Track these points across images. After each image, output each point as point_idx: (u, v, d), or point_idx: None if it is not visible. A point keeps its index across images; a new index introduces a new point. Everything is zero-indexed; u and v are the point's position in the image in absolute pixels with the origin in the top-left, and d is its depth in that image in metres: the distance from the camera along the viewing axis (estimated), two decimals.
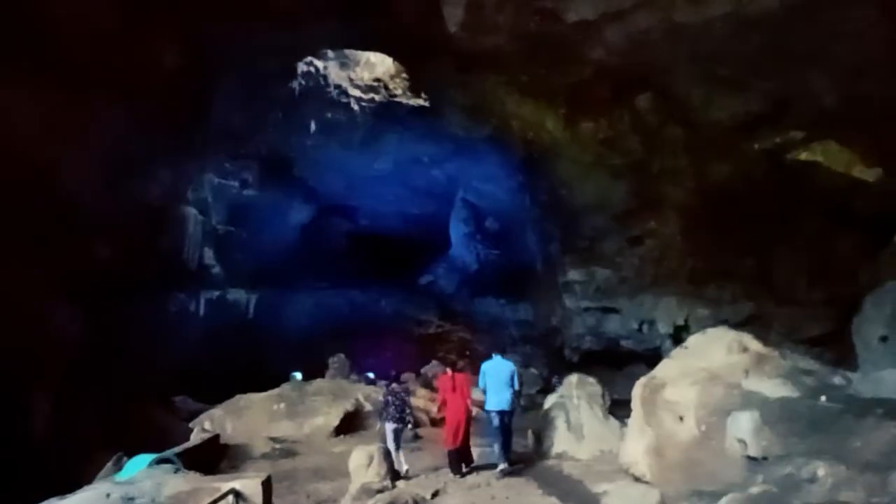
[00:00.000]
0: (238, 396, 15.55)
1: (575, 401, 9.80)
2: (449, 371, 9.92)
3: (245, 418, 14.15)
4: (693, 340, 8.36)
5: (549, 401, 10.24)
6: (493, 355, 9.75)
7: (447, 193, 30.13)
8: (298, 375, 21.97)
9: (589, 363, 23.82)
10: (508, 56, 16.30)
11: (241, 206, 24.07)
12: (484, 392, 9.42)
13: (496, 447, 9.10)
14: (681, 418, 7.06)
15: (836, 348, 15.52)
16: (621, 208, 19.89)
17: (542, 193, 23.02)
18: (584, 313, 22.80)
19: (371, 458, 8.34)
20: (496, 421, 9.10)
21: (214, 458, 11.25)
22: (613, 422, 9.79)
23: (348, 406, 13.84)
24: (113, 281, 19.15)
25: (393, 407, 9.58)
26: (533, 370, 23.44)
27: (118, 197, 18.71)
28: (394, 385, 10.13)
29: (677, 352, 8.44)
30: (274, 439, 13.30)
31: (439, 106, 22.34)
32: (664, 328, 18.90)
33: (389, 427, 9.54)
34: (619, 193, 19.48)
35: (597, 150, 18.55)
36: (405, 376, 21.46)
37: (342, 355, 20.31)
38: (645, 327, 19.98)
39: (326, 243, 29.08)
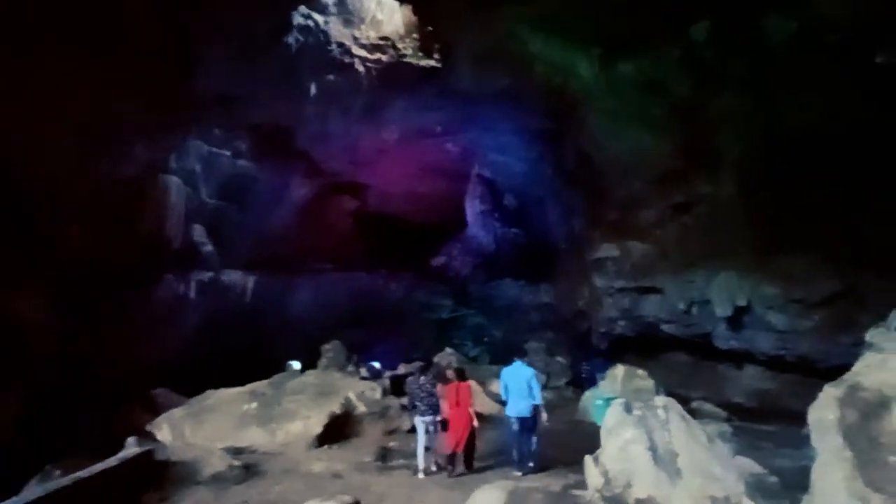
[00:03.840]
0: (207, 392, 11.85)
1: (661, 414, 5.80)
2: (453, 380, 8.89)
3: (207, 423, 10.39)
4: None
5: (614, 415, 6.23)
6: (514, 360, 9.11)
7: (461, 169, 26.17)
8: (296, 365, 18.25)
9: (620, 351, 19.84)
10: None
11: (236, 180, 20.27)
12: (505, 398, 8.86)
13: (514, 453, 8.67)
14: None
15: None
16: (663, 169, 15.79)
17: (568, 159, 18.97)
18: (616, 294, 18.74)
19: None
20: (515, 426, 8.62)
21: (137, 486, 7.48)
22: (722, 448, 5.79)
23: (335, 407, 10.01)
24: (88, 265, 15.69)
25: (420, 400, 8.66)
26: (559, 359, 19.43)
27: (87, 172, 15.19)
28: (422, 378, 9.02)
29: (886, 336, 4.41)
30: (237, 451, 9.52)
31: (451, 61, 18.36)
32: (721, 310, 14.77)
33: (421, 421, 8.59)
34: (661, 150, 15.39)
35: (637, 99, 14.45)
36: (414, 365, 17.65)
37: (338, 342, 16.46)
38: (695, 309, 15.87)
39: (331, 223, 25.23)
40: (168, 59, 16.33)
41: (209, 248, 19.73)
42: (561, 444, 9.93)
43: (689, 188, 15.63)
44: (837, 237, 13.70)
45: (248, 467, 8.66)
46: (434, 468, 8.60)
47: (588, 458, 6.01)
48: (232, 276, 20.85)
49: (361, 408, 10.26)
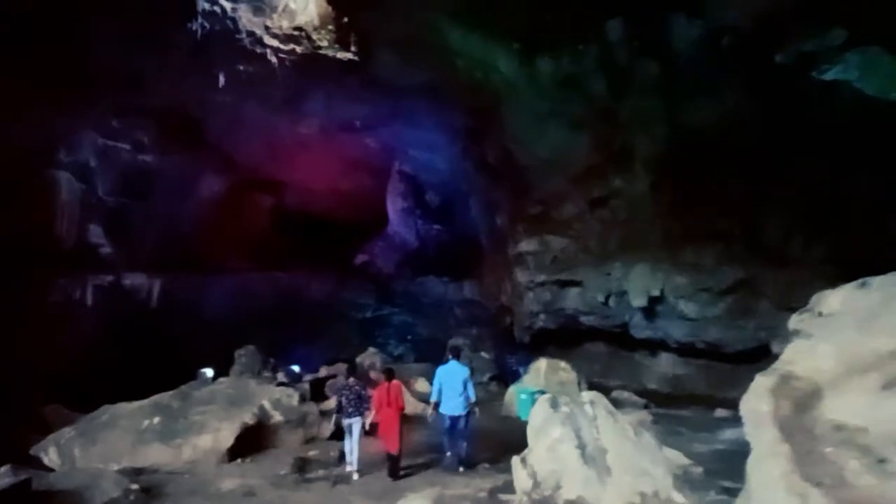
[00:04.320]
0: (103, 408, 10.64)
1: (588, 410, 5.57)
2: (383, 381, 8.89)
3: (101, 442, 9.29)
4: (844, 297, 4.23)
5: (541, 413, 5.96)
6: (449, 359, 9.02)
7: (382, 165, 25.52)
8: (209, 372, 16.94)
9: (541, 344, 20.00)
10: None
11: (137, 174, 18.66)
12: (438, 396, 8.70)
13: (446, 452, 8.70)
14: (881, 462, 2.99)
15: None
16: (582, 165, 15.95)
17: (490, 155, 18.84)
18: (537, 288, 18.79)
19: None
20: (447, 423, 8.63)
21: None
22: (649, 441, 5.64)
23: (247, 418, 9.21)
24: None
25: (348, 402, 8.51)
26: (484, 354, 19.29)
27: None
28: (350, 380, 8.88)
29: (812, 322, 4.31)
30: (137, 472, 8.55)
31: (369, 53, 17.70)
32: (637, 300, 15.08)
33: (347, 423, 8.48)
34: (580, 147, 15.51)
35: (557, 96, 14.46)
36: (337, 367, 16.92)
37: (252, 347, 15.46)
38: (612, 301, 16.14)
39: (247, 220, 23.88)
40: (52, 29, 14.69)
41: (108, 249, 18.09)
42: (488, 441, 9.67)
43: (606, 184, 15.87)
44: (740, 230, 14.31)
45: (148, 490, 7.76)
46: (359, 467, 8.43)
47: (516, 460, 5.70)
48: (135, 279, 19.23)
49: (277, 416, 9.51)
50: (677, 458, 6.26)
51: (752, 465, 3.37)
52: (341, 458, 9.09)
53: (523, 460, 5.66)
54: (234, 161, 22.10)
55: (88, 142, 17.12)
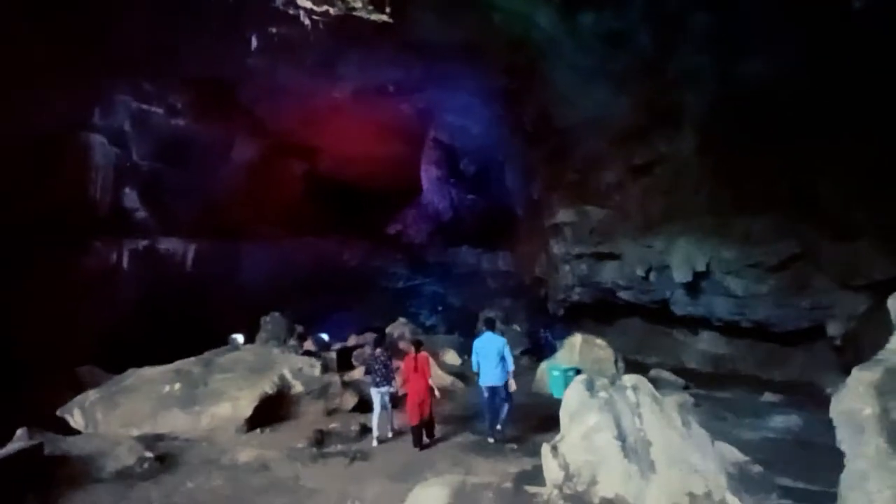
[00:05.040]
0: (128, 371, 10.44)
1: (630, 396, 4.83)
2: (412, 351, 8.70)
3: (123, 406, 9.05)
4: None
5: (576, 396, 5.24)
6: (484, 331, 8.89)
7: (417, 132, 24.73)
8: (240, 338, 16.86)
9: (576, 318, 19.20)
10: None
11: (172, 139, 18.38)
12: (477, 368, 8.66)
13: (486, 421, 8.61)
14: None
15: None
16: (624, 127, 14.80)
17: (527, 119, 17.81)
18: (573, 260, 17.91)
19: None
20: (486, 395, 8.54)
21: (19, 489, 6.19)
22: (700, 433, 4.88)
23: (267, 387, 8.79)
24: None
25: (377, 373, 8.55)
26: (516, 327, 18.61)
27: None
28: (377, 350, 8.88)
29: None
30: (157, 439, 8.27)
31: (405, 13, 16.77)
32: (680, 275, 14.07)
33: (376, 391, 8.52)
34: (622, 107, 14.37)
35: (599, 52, 13.32)
36: (365, 336, 16.55)
37: (277, 314, 15.13)
38: (653, 275, 15.15)
39: (280, 186, 23.52)
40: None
41: (143, 213, 17.97)
42: (517, 419, 9.04)
43: (649, 148, 14.75)
44: (795, 198, 13.07)
45: (163, 458, 7.43)
46: (390, 434, 8.52)
47: (546, 448, 5.02)
48: (170, 244, 19.12)
49: (298, 386, 9.06)
50: (731, 453, 5.48)
51: (850, 481, 2.60)
52: (362, 431, 8.63)
53: (554, 448, 4.98)
54: (267, 126, 21.64)
55: (123, 106, 16.87)
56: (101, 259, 17.38)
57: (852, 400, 2.86)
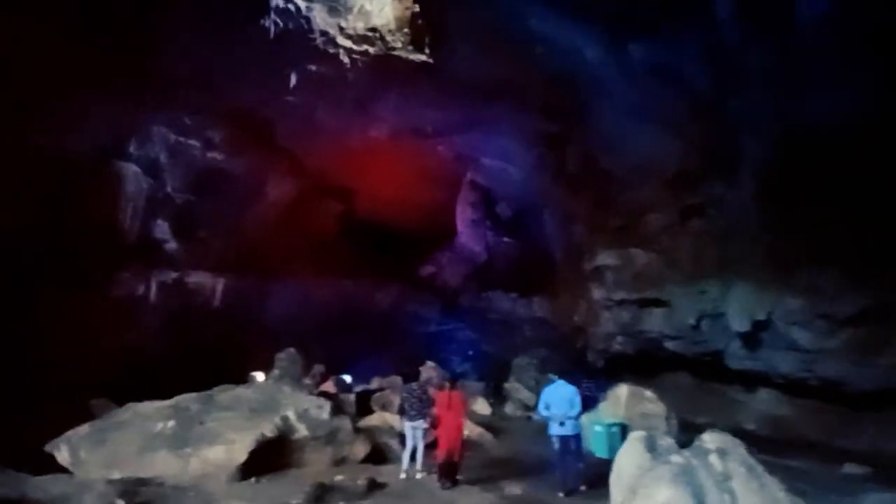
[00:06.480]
0: (127, 405, 9.45)
1: (715, 463, 3.44)
2: (447, 387, 8.59)
3: (109, 444, 7.98)
4: None
5: (633, 458, 3.87)
6: (554, 379, 9.00)
7: (454, 175, 23.99)
8: (260, 377, 15.87)
9: (617, 370, 17.47)
10: None
11: (206, 173, 18.04)
12: (546, 416, 8.39)
13: (558, 473, 8.18)
14: None
15: None
16: (675, 170, 13.57)
17: (569, 162, 16.78)
18: (615, 307, 16.41)
19: None
20: (557, 444, 8.21)
21: None
22: None
23: (266, 430, 7.61)
24: (17, 257, 13.42)
25: (410, 405, 8.31)
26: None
27: (23, 147, 12.95)
28: (413, 384, 8.93)
29: None
30: (140, 483, 7.12)
31: (444, 51, 16.29)
32: (738, 324, 12.42)
33: (410, 426, 8.29)
34: (673, 149, 13.17)
35: (650, 89, 12.27)
36: (391, 380, 15.28)
37: (293, 350, 14.06)
38: (705, 324, 13.52)
39: (314, 226, 22.91)
40: (130, 27, 14.27)
41: (173, 245, 17.45)
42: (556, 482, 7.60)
43: (702, 191, 13.40)
44: (867, 249, 11.42)
45: None
46: (418, 476, 8.19)
47: None
48: (200, 278, 18.51)
49: (303, 430, 7.84)
50: None
51: None
52: (371, 487, 7.30)
53: None
54: (304, 165, 21.25)
55: (160, 137, 16.63)
56: (129, 289, 16.84)
57: None
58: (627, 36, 11.75)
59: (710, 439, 3.82)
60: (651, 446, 4.09)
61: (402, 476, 7.98)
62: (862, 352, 11.66)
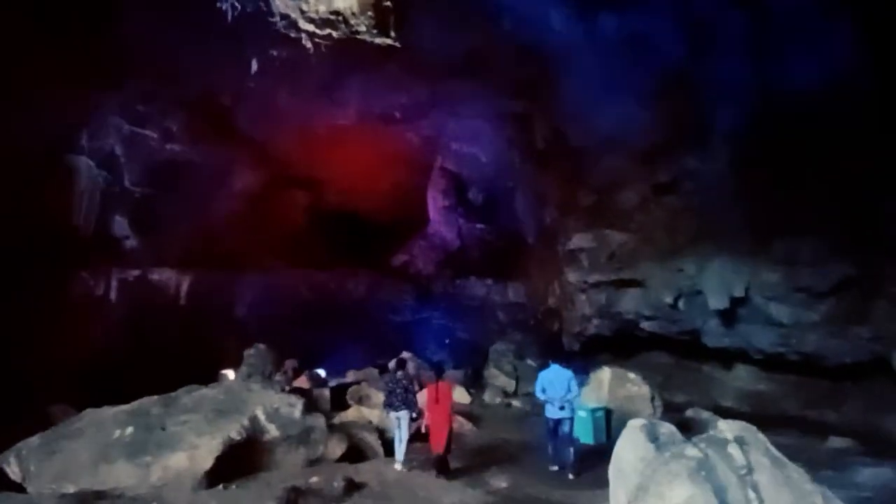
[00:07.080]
0: (85, 412, 8.72)
1: (735, 454, 3.04)
2: (434, 379, 8.50)
3: (61, 455, 7.28)
4: None
5: (634, 449, 3.44)
6: (551, 364, 8.80)
7: (423, 162, 23.42)
8: (231, 375, 15.17)
9: (593, 352, 17.29)
10: None
11: (166, 165, 17.08)
12: (543, 400, 8.58)
13: (549, 449, 8.64)
14: None
15: None
16: (647, 143, 13.28)
17: (538, 139, 16.39)
18: (591, 289, 16.15)
19: None
20: (551, 425, 8.52)
21: None
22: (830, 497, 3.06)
23: (233, 432, 7.03)
24: None
25: (395, 395, 8.20)
26: (530, 362, 16.74)
27: None
28: (398, 373, 8.57)
29: None
30: (95, 497, 6.48)
31: (408, 24, 15.61)
32: (716, 301, 12.24)
33: (393, 415, 8.22)
34: (645, 122, 12.86)
35: (621, 60, 11.90)
36: (367, 372, 14.76)
37: (263, 346, 13.43)
38: (682, 303, 13.33)
39: (282, 217, 22.08)
40: (77, 8, 13.25)
41: (133, 242, 16.51)
42: (534, 469, 7.21)
43: (675, 164, 13.16)
44: (848, 216, 11.32)
45: None
46: (398, 466, 8.07)
47: None
48: (163, 274, 17.59)
49: (273, 431, 7.28)
50: None
51: None
52: (349, 487, 6.79)
53: None
54: (269, 154, 20.37)
55: (114, 128, 15.62)
56: (87, 289, 15.87)
57: None
58: (598, 5, 11.33)
59: (726, 427, 3.44)
60: (652, 435, 3.69)
61: (398, 467, 7.95)
62: (841, 324, 11.60)
